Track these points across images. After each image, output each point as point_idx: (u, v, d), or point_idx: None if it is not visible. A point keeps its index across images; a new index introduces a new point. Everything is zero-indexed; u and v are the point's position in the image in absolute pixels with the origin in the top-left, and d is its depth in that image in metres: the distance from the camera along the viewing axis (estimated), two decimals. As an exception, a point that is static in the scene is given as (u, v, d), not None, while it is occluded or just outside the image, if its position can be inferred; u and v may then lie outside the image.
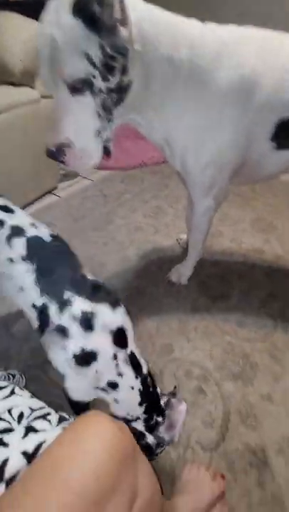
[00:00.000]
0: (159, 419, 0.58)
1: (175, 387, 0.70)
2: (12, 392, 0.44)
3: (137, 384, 0.53)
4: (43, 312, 0.47)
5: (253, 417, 0.77)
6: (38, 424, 0.40)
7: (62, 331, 0.46)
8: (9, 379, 0.64)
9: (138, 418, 0.55)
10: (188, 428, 0.74)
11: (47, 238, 0.54)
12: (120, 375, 0.50)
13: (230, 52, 0.63)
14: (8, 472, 0.34)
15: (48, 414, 0.43)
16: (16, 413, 0.40)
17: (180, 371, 0.86)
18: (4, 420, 0.39)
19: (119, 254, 1.25)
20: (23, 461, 0.35)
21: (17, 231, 0.52)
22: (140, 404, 0.54)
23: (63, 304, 0.47)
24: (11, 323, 0.95)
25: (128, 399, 0.53)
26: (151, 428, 0.57)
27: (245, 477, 0.68)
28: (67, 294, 0.48)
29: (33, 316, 0.49)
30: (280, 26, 0.74)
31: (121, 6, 0.51)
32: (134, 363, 0.53)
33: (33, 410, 0.42)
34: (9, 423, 0.39)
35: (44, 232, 0.55)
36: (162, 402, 0.60)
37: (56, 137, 0.59)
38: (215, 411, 0.78)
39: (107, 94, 0.56)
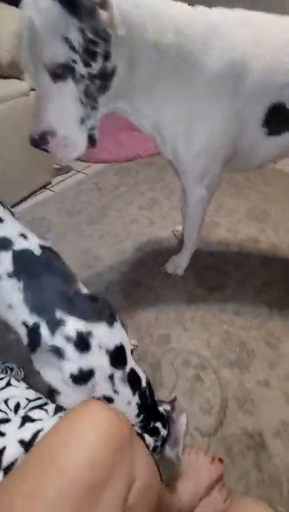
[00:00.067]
0: (157, 424, 0.57)
1: (174, 399, 0.69)
2: (8, 384, 0.45)
3: (135, 399, 0.52)
4: (34, 330, 0.45)
5: (250, 403, 0.78)
6: (35, 414, 0.40)
7: (57, 352, 0.44)
8: (7, 372, 0.64)
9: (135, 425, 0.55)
10: (186, 415, 0.75)
11: (37, 251, 0.49)
12: (116, 392, 0.49)
13: (219, 36, 0.62)
14: (6, 460, 0.34)
15: (45, 404, 0.43)
16: (12, 404, 0.41)
17: (178, 360, 0.87)
18: (1, 411, 0.39)
19: (115, 247, 1.25)
20: (20, 449, 0.35)
21: (4, 243, 0.47)
22: (138, 415, 0.54)
23: (56, 324, 0.44)
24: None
25: (125, 411, 0.51)
26: (150, 432, 0.57)
27: (242, 460, 0.69)
28: (60, 314, 0.44)
29: (22, 333, 0.46)
30: (270, 9, 0.73)
31: None
32: (133, 378, 0.52)
33: (29, 401, 0.43)
34: (6, 413, 0.39)
35: (34, 244, 0.50)
36: (161, 408, 0.60)
37: (39, 125, 0.58)
38: (213, 398, 0.79)
39: (89, 81, 0.55)
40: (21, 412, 0.40)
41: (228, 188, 1.57)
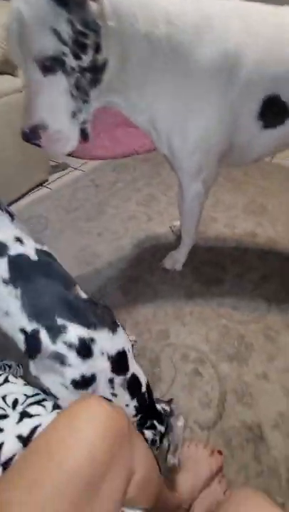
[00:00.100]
0: (154, 422, 0.58)
1: (171, 400, 0.69)
2: (6, 380, 0.45)
3: (133, 402, 0.52)
4: (33, 337, 0.44)
5: (249, 396, 0.79)
6: (33, 410, 0.40)
7: (59, 358, 0.43)
8: (5, 369, 0.64)
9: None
10: (186, 410, 0.76)
11: (33, 256, 0.48)
12: (115, 395, 0.49)
13: (211, 26, 0.61)
14: (4, 456, 0.34)
15: (43, 400, 0.44)
16: (10, 400, 0.41)
17: (177, 355, 0.87)
18: (-1, 407, 0.39)
19: (113, 243, 1.25)
20: (18, 444, 0.35)
21: None
22: (135, 416, 0.54)
23: (57, 331, 0.43)
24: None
25: None
26: (147, 428, 0.57)
27: (242, 452, 0.70)
28: (61, 320, 0.44)
29: (20, 340, 0.45)
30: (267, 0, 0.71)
31: None
32: (133, 384, 0.51)
33: (27, 397, 0.43)
34: (4, 410, 0.39)
35: (30, 249, 0.48)
36: (159, 407, 0.60)
37: (29, 119, 0.57)
38: (211, 391, 0.80)
39: (80, 74, 0.55)
40: (19, 408, 0.40)
41: (225, 182, 1.57)
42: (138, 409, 0.53)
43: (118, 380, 0.49)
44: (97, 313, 0.48)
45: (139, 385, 0.53)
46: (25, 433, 0.37)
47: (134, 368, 0.52)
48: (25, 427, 0.37)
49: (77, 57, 0.52)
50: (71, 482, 0.31)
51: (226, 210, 1.41)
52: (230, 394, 0.79)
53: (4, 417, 0.38)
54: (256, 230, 1.30)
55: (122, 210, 1.42)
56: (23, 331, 0.44)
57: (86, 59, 0.53)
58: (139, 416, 0.54)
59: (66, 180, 1.64)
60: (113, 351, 0.47)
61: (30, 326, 0.44)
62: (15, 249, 0.47)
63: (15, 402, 0.41)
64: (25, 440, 0.36)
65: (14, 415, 0.39)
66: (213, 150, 0.76)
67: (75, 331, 0.44)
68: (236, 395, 0.79)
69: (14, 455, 0.35)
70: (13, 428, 0.37)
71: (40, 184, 1.58)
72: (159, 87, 0.65)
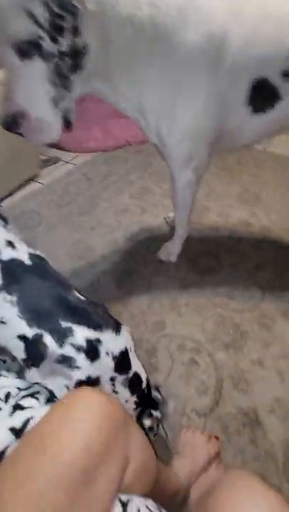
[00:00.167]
0: (151, 410, 0.59)
1: (160, 387, 0.70)
2: (-2, 375, 0.45)
3: (133, 398, 0.53)
4: (36, 342, 0.42)
5: (245, 382, 0.80)
6: (26, 402, 0.40)
7: (67, 361, 0.42)
8: None
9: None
10: (183, 398, 0.76)
11: (27, 261, 0.46)
12: (115, 392, 0.49)
13: (195, 7, 0.59)
14: (-3, 448, 0.34)
15: (37, 392, 0.43)
16: (2, 393, 0.41)
17: (173, 345, 0.88)
18: (-9, 401, 0.39)
19: (107, 237, 1.24)
20: (11, 437, 0.35)
21: None
22: (135, 409, 0.54)
23: (63, 334, 0.43)
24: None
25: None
26: (147, 416, 0.58)
27: (238, 437, 0.71)
28: (65, 323, 0.43)
29: (18, 347, 0.44)
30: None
31: None
32: (134, 382, 0.52)
33: (20, 390, 0.43)
34: (-4, 403, 0.39)
35: (23, 253, 0.47)
36: (154, 394, 0.60)
37: (8, 106, 0.56)
38: (208, 379, 0.80)
39: (59, 59, 0.53)
40: (12, 401, 0.40)
41: (218, 171, 1.56)
42: (137, 404, 0.53)
43: (120, 378, 0.49)
44: (99, 313, 0.48)
45: (140, 381, 0.54)
46: (17, 425, 0.36)
47: (136, 365, 0.52)
48: (18, 419, 0.37)
49: (54, 40, 0.51)
50: (67, 474, 0.31)
51: (219, 199, 1.41)
52: (227, 381, 0.80)
53: (-4, 410, 0.38)
54: (250, 219, 1.29)
55: (115, 203, 1.41)
56: (22, 337, 0.43)
57: (64, 42, 0.52)
58: (139, 409, 0.55)
59: (58, 175, 1.62)
60: (117, 351, 0.47)
61: (31, 332, 0.42)
62: (7, 254, 0.45)
63: (7, 396, 0.41)
64: (17, 432, 0.36)
65: (7, 408, 0.39)
66: (202, 136, 0.74)
67: (82, 333, 0.43)
68: (232, 381, 0.80)
69: (7, 447, 0.35)
70: (6, 420, 0.37)
71: (32, 179, 1.56)
72: (145, 72, 0.64)
